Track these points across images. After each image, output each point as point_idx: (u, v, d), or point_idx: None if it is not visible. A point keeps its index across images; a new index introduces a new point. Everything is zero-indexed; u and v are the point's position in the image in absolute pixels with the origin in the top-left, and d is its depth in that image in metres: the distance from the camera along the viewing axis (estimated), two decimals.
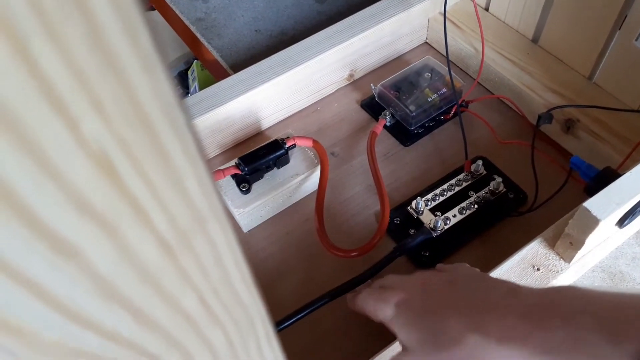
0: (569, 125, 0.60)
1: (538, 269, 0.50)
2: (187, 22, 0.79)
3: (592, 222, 0.45)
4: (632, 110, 0.59)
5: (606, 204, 0.45)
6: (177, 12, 0.80)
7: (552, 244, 0.51)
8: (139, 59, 0.09)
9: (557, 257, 0.50)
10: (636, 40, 0.56)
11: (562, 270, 0.49)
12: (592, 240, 0.47)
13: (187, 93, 1.14)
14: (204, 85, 1.06)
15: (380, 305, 0.44)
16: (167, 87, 0.09)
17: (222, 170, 0.56)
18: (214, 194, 0.12)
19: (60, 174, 0.09)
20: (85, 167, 0.09)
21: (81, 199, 0.10)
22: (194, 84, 1.08)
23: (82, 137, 0.09)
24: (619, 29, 0.57)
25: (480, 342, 0.36)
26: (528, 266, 0.50)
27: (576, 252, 0.48)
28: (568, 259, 0.49)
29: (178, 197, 0.11)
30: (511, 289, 0.39)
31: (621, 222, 0.48)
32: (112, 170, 0.10)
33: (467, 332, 0.37)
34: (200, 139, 0.11)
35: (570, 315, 0.34)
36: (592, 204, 0.45)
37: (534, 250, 0.50)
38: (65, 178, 0.09)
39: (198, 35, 0.77)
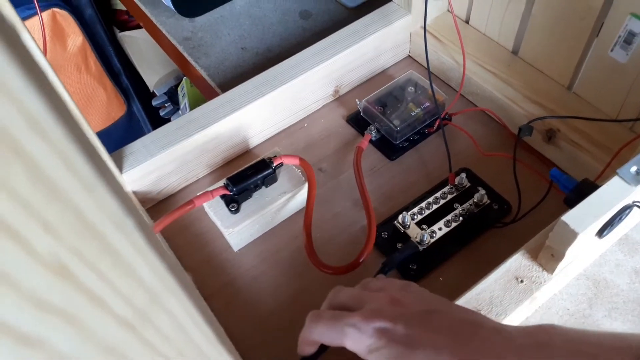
0: (550, 136, 0.61)
1: (522, 281, 0.51)
2: (174, 42, 0.80)
3: (570, 235, 0.46)
4: (611, 120, 0.60)
5: (584, 217, 0.46)
6: (164, 31, 0.81)
7: (534, 255, 0.52)
8: (80, 185, 0.10)
9: (540, 269, 0.51)
10: (611, 51, 0.57)
11: (545, 281, 0.50)
12: (572, 251, 0.48)
13: (178, 109, 1.16)
14: (193, 101, 1.08)
15: (355, 333, 0.39)
16: (111, 200, 0.10)
17: (211, 191, 0.57)
18: (167, 274, 0.13)
19: (19, 284, 0.10)
20: (43, 275, 0.11)
21: (41, 300, 0.11)
22: (184, 101, 1.09)
23: (37, 253, 0.10)
24: (596, 39, 0.58)
25: None
26: (512, 278, 0.51)
27: (558, 264, 0.49)
28: (550, 270, 0.50)
29: (131, 283, 0.12)
30: (494, 327, 0.38)
31: (600, 233, 0.49)
32: (67, 274, 0.11)
33: None
34: (151, 232, 0.12)
35: (568, 355, 0.34)
36: (570, 217, 0.46)
37: (518, 262, 0.52)
38: (23, 287, 0.10)
39: (185, 54, 0.79)
